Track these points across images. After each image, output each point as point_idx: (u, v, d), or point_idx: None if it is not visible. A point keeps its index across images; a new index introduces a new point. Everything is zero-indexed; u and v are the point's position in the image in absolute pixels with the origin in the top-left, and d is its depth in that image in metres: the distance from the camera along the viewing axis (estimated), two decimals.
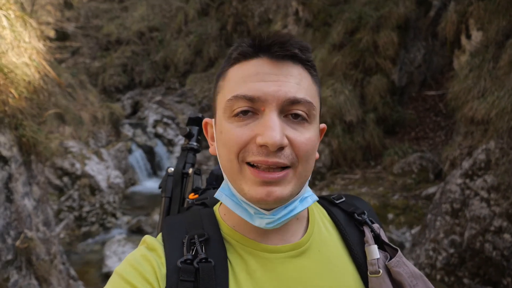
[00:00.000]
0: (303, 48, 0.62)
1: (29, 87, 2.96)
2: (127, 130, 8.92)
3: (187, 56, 11.44)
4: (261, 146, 0.57)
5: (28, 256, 2.66)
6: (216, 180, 0.96)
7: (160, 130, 9.26)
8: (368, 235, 0.70)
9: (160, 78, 12.01)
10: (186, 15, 11.98)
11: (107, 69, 11.93)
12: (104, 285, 0.59)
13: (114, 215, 6.28)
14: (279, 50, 0.60)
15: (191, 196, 0.91)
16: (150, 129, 9.27)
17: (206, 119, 0.73)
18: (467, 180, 3.40)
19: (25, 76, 2.89)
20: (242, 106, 0.60)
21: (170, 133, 9.23)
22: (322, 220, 0.74)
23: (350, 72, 6.38)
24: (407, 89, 6.74)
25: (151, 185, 7.76)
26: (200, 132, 1.07)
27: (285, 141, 0.58)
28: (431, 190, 4.71)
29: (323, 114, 5.20)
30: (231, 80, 0.63)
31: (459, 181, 3.46)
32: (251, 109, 0.60)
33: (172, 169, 1.02)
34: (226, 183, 0.66)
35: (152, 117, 9.57)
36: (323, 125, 0.72)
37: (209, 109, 9.55)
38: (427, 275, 3.42)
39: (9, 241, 2.55)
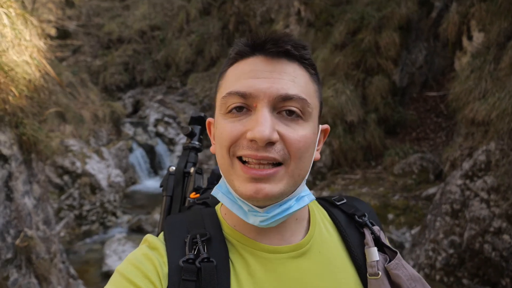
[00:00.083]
0: (297, 45, 0.62)
1: (29, 86, 2.96)
2: (128, 129, 8.93)
3: (188, 55, 11.44)
4: (251, 140, 0.58)
5: (28, 255, 2.66)
6: (217, 179, 0.96)
7: (161, 129, 9.26)
8: (368, 237, 0.70)
9: (162, 77, 12.01)
10: (188, 14, 11.98)
11: (108, 68, 11.93)
12: (104, 284, 0.59)
13: (114, 214, 6.28)
14: (272, 47, 0.61)
15: (192, 195, 0.91)
16: (151, 128, 9.28)
17: (209, 119, 0.74)
18: (467, 181, 3.40)
19: (25, 74, 2.89)
20: (235, 102, 0.60)
21: (171, 132, 9.23)
22: (323, 221, 0.74)
23: (352, 72, 6.38)
24: (408, 89, 6.74)
25: (151, 184, 7.77)
26: (202, 131, 1.08)
27: (275, 136, 0.58)
28: (431, 190, 4.71)
29: (324, 114, 5.20)
30: (228, 79, 0.64)
31: (459, 182, 3.46)
32: (244, 105, 0.60)
33: (174, 168, 1.02)
34: (223, 181, 0.67)
35: (153, 116, 9.57)
36: (326, 126, 0.72)
37: (210, 109, 9.55)
38: (427, 276, 3.42)
39: (9, 239, 2.55)
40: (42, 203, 3.08)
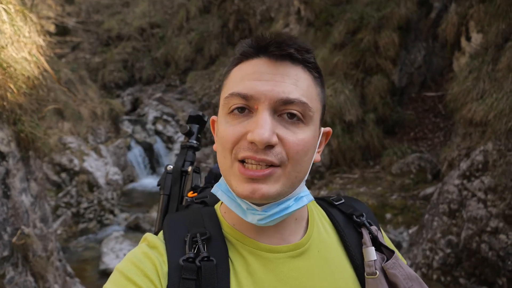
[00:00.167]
0: (300, 48, 0.62)
1: (28, 82, 2.95)
2: (127, 127, 8.91)
3: (188, 53, 11.42)
4: (251, 143, 0.58)
5: (25, 253, 2.65)
6: (215, 178, 0.97)
7: (159, 127, 9.25)
8: (366, 237, 0.71)
9: (161, 75, 11.99)
10: (188, 12, 11.96)
11: (107, 65, 11.90)
12: (101, 282, 0.59)
13: (112, 212, 6.27)
14: (275, 50, 0.61)
15: (190, 194, 0.91)
16: (149, 126, 9.26)
17: (213, 117, 0.74)
18: (465, 181, 3.41)
19: (24, 71, 2.88)
20: (237, 103, 0.61)
21: (169, 130, 9.22)
22: (321, 221, 0.74)
23: (351, 72, 6.39)
24: (407, 89, 6.76)
25: (149, 182, 7.76)
26: (200, 130, 1.08)
27: (274, 139, 0.58)
28: (429, 190, 4.72)
29: None
30: (232, 79, 0.64)
31: (457, 182, 3.47)
32: (246, 106, 0.61)
33: (171, 166, 1.02)
34: (223, 179, 0.67)
35: (152, 114, 9.55)
36: (328, 129, 0.72)
37: (209, 107, 9.54)
38: (424, 275, 3.44)
39: (6, 237, 2.54)
40: (40, 200, 3.07)
